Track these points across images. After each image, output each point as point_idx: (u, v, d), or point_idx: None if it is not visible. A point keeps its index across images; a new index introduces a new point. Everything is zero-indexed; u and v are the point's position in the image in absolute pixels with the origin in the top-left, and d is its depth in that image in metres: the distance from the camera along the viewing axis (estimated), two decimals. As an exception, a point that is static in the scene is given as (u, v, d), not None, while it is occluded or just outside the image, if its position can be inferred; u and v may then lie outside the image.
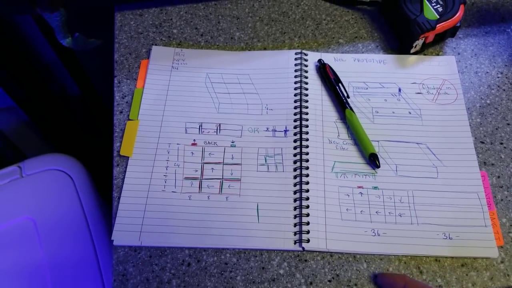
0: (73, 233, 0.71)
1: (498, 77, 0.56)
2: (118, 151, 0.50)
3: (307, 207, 0.46)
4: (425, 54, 0.58)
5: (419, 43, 0.55)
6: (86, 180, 0.74)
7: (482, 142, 0.51)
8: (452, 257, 0.45)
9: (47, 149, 1.13)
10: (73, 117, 1.14)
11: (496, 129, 0.53)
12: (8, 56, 0.87)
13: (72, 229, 0.71)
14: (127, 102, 0.54)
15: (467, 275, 0.44)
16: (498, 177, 0.49)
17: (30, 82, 0.99)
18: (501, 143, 0.52)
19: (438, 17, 0.53)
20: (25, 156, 1.07)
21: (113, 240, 0.45)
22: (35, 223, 0.71)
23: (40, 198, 0.74)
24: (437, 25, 0.53)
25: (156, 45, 0.58)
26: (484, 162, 0.50)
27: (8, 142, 1.08)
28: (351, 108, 0.51)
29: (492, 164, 0.50)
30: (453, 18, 0.54)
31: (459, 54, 0.58)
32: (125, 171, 0.49)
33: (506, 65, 0.57)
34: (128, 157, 0.50)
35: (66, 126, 1.12)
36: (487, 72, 0.57)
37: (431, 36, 0.54)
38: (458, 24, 0.55)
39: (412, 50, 0.56)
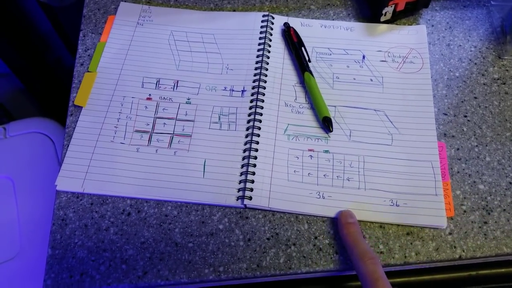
0: (48, 193, 0.71)
1: (471, 51, 0.54)
2: (74, 101, 0.50)
3: (254, 166, 0.45)
4: (397, 24, 0.56)
5: (389, 10, 0.53)
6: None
7: (445, 114, 0.50)
8: (398, 225, 0.44)
9: (39, 115, 1.14)
10: (67, 86, 1.15)
11: (462, 101, 0.51)
12: (5, 24, 0.88)
13: (48, 189, 0.72)
14: (89, 55, 0.54)
15: (411, 243, 0.43)
16: (458, 149, 0.48)
17: (26, 51, 1.00)
18: (465, 116, 0.50)
19: (409, -17, 0.52)
20: (16, 121, 1.08)
21: (56, 185, 0.45)
22: (13, 183, 0.72)
23: (20, 159, 0.75)
24: (408, -8, 0.52)
25: (125, 1, 0.58)
26: (445, 134, 0.49)
27: (2, 108, 1.09)
28: (310, 72, 0.50)
29: (453, 136, 0.48)
30: (425, -14, 0.52)
31: (433, 26, 0.56)
32: (77, 121, 0.49)
33: (481, 40, 0.55)
34: (82, 107, 0.50)
35: (59, 94, 1.13)
36: (460, 45, 0.55)
37: (401, 3, 0.53)
38: (431, -7, 0.53)
39: (382, 18, 0.54)
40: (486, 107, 0.50)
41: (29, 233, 0.67)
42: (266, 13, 0.56)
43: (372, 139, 0.47)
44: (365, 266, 0.37)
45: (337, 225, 0.43)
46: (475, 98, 0.51)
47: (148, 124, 0.48)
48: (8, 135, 0.78)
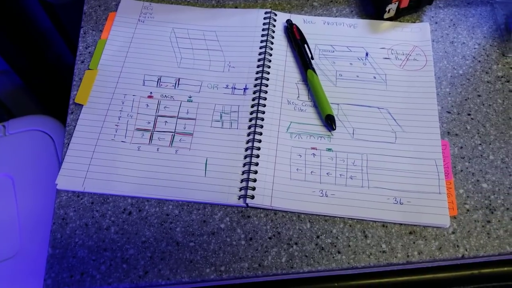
0: (48, 192, 0.71)
1: (474, 48, 0.54)
2: (74, 99, 0.50)
3: (256, 164, 0.45)
4: (400, 21, 0.56)
5: (392, 7, 0.53)
6: (67, 141, 0.75)
7: (449, 112, 0.49)
8: (401, 224, 0.43)
9: (39, 112, 1.14)
10: (67, 83, 1.15)
11: (466, 99, 0.50)
12: (4, 21, 0.87)
13: (48, 187, 0.71)
14: (89, 53, 0.53)
15: (414, 243, 0.43)
16: (461, 147, 0.47)
17: (26, 48, 1.00)
18: (469, 114, 0.49)
19: (413, -20, 0.51)
20: (16, 118, 1.07)
21: (56, 184, 0.45)
22: (13, 181, 0.71)
23: (20, 156, 0.74)
24: (411, -11, 0.51)
25: (126, -2, 0.57)
26: (448, 132, 0.48)
27: (1, 105, 1.09)
28: (313, 69, 0.50)
29: (456, 135, 0.48)
30: (428, -18, 0.51)
31: (436, 23, 0.56)
32: (78, 119, 0.48)
33: (485, 37, 0.55)
34: (83, 105, 0.49)
35: (59, 92, 1.13)
36: (464, 43, 0.54)
37: (405, 0, 0.52)
38: (435, -10, 0.53)
39: (386, 15, 0.54)
40: (490, 105, 0.50)
41: (29, 231, 0.66)
42: (269, 10, 0.55)
43: (376, 137, 0.47)
44: None
45: (339, 224, 0.43)
46: (479, 96, 0.51)
47: (149, 123, 0.48)
48: (8, 132, 0.77)
